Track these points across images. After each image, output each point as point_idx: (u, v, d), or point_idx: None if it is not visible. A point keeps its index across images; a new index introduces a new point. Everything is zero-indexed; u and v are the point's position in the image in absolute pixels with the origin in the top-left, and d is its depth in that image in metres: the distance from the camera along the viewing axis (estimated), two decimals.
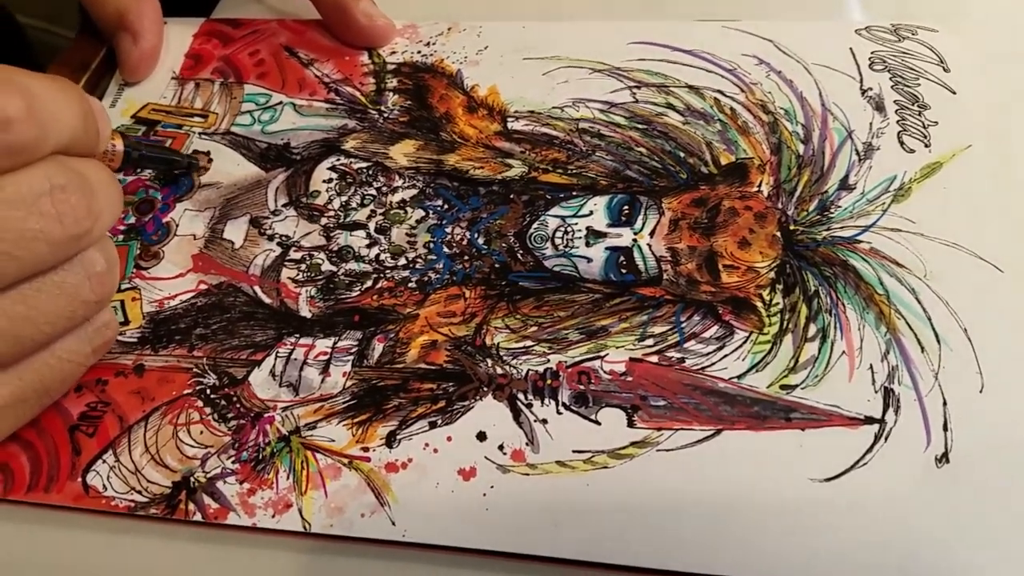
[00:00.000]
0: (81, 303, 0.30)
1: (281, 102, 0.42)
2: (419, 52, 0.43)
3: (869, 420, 0.30)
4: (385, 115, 0.41)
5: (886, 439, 0.29)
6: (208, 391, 0.34)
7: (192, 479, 0.32)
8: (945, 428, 0.29)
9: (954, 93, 0.37)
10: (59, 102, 0.27)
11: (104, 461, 0.32)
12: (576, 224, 0.36)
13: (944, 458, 0.29)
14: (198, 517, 0.31)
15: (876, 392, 0.30)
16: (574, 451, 0.31)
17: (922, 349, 0.31)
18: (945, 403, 0.30)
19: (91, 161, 0.30)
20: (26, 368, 0.30)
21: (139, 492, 0.31)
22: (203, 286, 0.37)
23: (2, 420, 0.30)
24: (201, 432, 0.33)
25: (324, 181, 0.39)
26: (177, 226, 0.39)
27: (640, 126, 0.39)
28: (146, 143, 0.39)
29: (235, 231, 0.38)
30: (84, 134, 0.29)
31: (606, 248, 0.35)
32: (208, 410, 0.33)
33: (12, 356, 0.29)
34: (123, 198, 0.32)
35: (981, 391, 0.30)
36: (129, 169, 0.38)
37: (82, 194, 0.28)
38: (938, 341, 0.31)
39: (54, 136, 0.27)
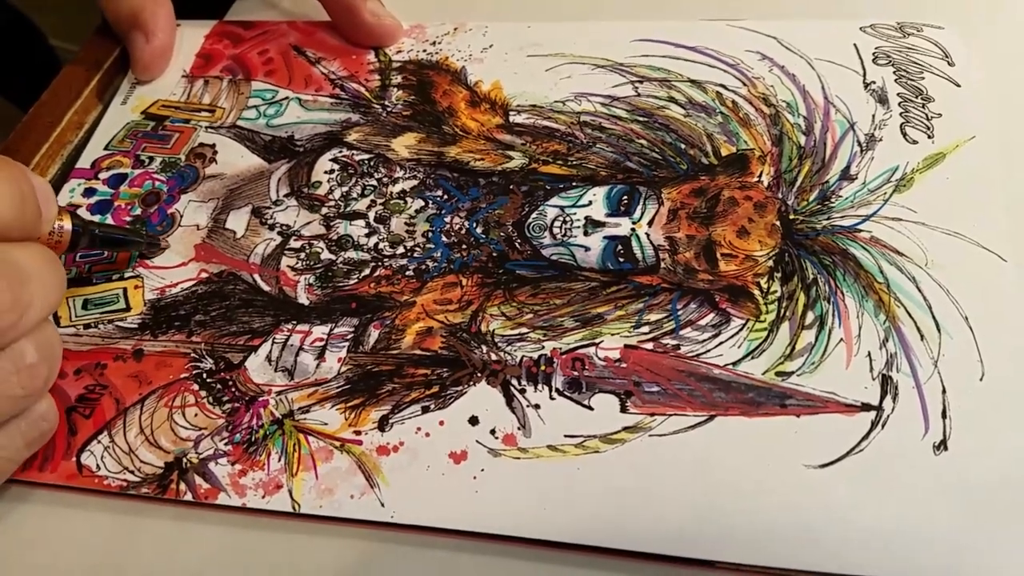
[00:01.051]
0: (8, 398, 0.28)
1: (287, 97, 0.43)
2: (424, 51, 0.44)
3: (866, 407, 0.29)
4: (388, 109, 0.41)
5: (883, 426, 0.29)
6: (204, 375, 0.34)
7: (185, 460, 0.32)
8: (944, 416, 0.29)
9: (958, 86, 0.37)
10: None
11: (99, 442, 0.32)
12: (575, 214, 0.36)
13: (942, 445, 0.28)
14: (188, 497, 0.31)
15: (874, 379, 0.30)
16: (566, 436, 0.30)
17: (922, 337, 0.31)
18: (944, 391, 0.29)
19: (26, 246, 0.28)
20: None
21: (132, 472, 0.32)
22: (204, 274, 0.37)
23: None
24: (196, 415, 0.33)
25: (326, 172, 0.39)
26: (181, 217, 0.39)
27: (641, 119, 0.38)
28: (102, 225, 0.36)
29: (237, 221, 0.38)
30: (20, 217, 0.28)
31: (604, 237, 0.35)
32: (203, 393, 0.33)
33: None
34: (64, 282, 0.30)
35: (982, 379, 0.29)
36: (84, 248, 0.35)
37: (8, 284, 0.26)
38: (938, 329, 0.31)
39: None
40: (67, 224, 0.32)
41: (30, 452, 0.31)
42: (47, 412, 0.31)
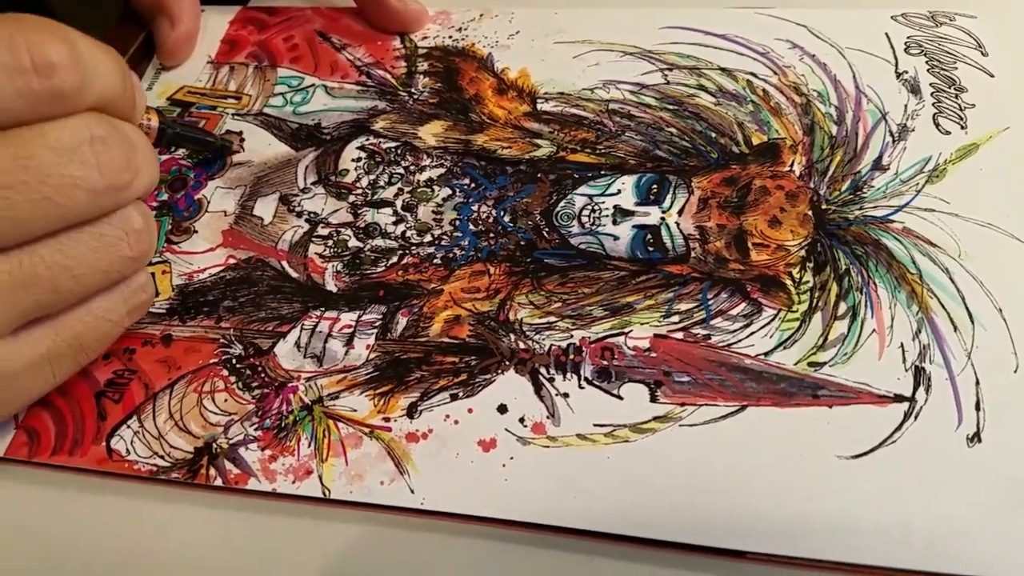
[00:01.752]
0: (119, 258, 0.30)
1: (313, 84, 0.43)
2: (450, 37, 0.44)
3: (899, 398, 0.29)
4: (415, 97, 0.41)
5: (916, 417, 0.29)
6: (234, 361, 0.34)
7: (215, 445, 0.32)
8: (978, 408, 0.29)
9: (992, 76, 0.37)
10: (100, 58, 0.28)
11: (128, 427, 0.33)
12: (603, 203, 0.36)
13: (976, 437, 0.28)
14: (219, 482, 0.31)
15: (907, 371, 0.30)
16: (595, 425, 0.30)
17: (955, 328, 0.30)
18: (978, 382, 0.29)
19: (129, 124, 0.30)
20: (63, 324, 0.30)
21: (162, 457, 0.32)
22: (232, 260, 0.37)
23: (38, 376, 0.30)
24: (225, 400, 0.33)
25: (353, 160, 0.39)
26: (208, 203, 0.39)
27: (671, 107, 0.38)
28: (181, 123, 0.39)
29: (265, 208, 0.38)
30: (123, 95, 0.29)
31: (633, 226, 0.35)
32: (233, 379, 0.33)
33: (50, 307, 0.29)
34: (158, 165, 0.32)
35: (1016, 371, 0.29)
36: (163, 148, 0.39)
37: (122, 147, 0.29)
38: (972, 321, 0.30)
39: (95, 89, 0.27)
40: (154, 120, 0.35)
41: (131, 321, 0.33)
42: (146, 283, 0.33)
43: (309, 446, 0.31)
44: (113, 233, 0.30)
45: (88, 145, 0.27)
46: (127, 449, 0.32)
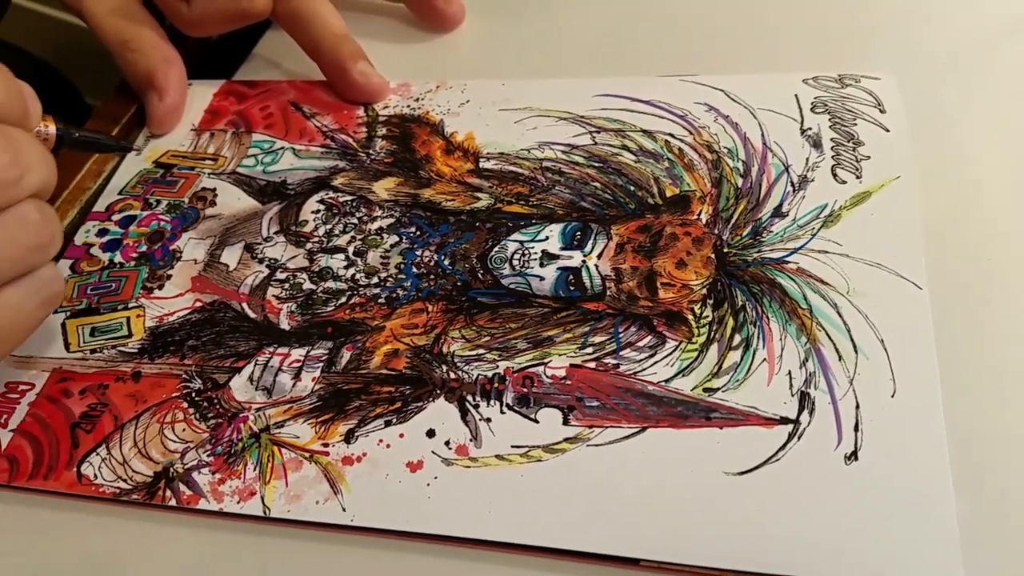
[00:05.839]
0: (20, 247, 0.32)
1: (283, 147, 0.47)
2: (408, 106, 0.48)
3: (784, 420, 0.32)
4: (372, 157, 0.46)
5: (799, 438, 0.31)
6: (193, 394, 0.37)
7: (171, 470, 0.35)
8: (856, 429, 0.31)
9: (888, 131, 0.40)
10: None
11: (97, 454, 0.36)
12: (533, 247, 0.39)
13: (853, 456, 0.31)
14: (173, 503, 0.34)
15: (793, 396, 0.32)
16: (512, 446, 0.33)
17: (840, 357, 0.33)
18: (858, 406, 0.32)
19: (18, 128, 0.32)
20: None
21: (124, 480, 0.35)
22: (198, 304, 0.41)
23: None
24: (184, 429, 0.36)
25: (312, 212, 0.43)
26: (181, 252, 0.43)
27: (597, 164, 0.42)
28: (80, 128, 0.41)
29: (231, 256, 0.42)
30: (8, 103, 0.32)
31: (558, 268, 0.38)
32: (192, 410, 0.37)
33: None
34: (55, 165, 0.34)
35: (893, 395, 0.32)
36: (66, 150, 0.40)
37: (6, 145, 0.31)
38: (855, 350, 0.33)
39: None
40: (51, 127, 0.36)
41: (44, 313, 0.34)
42: (55, 276, 0.34)
43: (254, 470, 0.34)
44: (12, 225, 0.31)
45: None
46: (95, 474, 0.35)
